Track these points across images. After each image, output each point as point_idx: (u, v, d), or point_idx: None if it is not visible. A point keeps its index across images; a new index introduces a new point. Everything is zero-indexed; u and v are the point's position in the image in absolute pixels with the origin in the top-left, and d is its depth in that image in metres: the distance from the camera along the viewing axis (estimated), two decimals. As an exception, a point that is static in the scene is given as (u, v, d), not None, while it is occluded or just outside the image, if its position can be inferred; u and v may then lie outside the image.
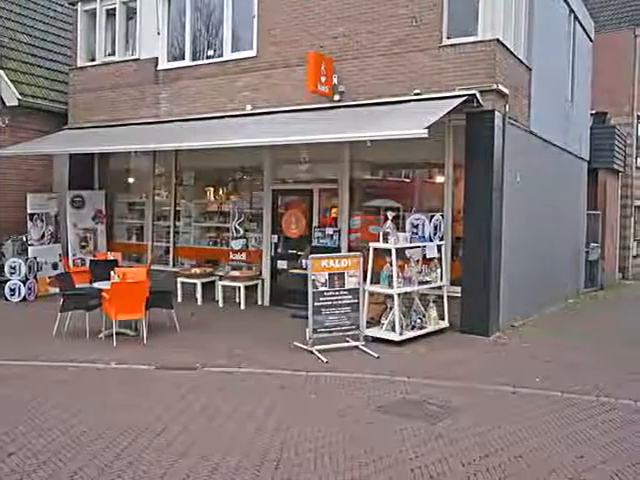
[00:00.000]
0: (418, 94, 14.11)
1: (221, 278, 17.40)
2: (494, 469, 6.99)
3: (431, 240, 13.91)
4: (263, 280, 17.38)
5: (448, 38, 14.19)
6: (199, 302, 17.33)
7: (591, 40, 22.56)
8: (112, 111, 19.18)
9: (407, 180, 16.16)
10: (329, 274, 12.42)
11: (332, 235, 16.05)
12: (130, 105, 18.84)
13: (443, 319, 14.23)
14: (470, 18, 14.13)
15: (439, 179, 15.20)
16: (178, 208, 19.39)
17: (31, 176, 19.95)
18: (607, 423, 8.69)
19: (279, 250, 17.28)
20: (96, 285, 13.89)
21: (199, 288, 17.41)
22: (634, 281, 28.67)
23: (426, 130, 11.53)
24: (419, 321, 13.69)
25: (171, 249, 19.32)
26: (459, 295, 14.19)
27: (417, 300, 13.92)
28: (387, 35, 14.72)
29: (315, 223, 16.65)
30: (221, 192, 18.81)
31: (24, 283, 17.56)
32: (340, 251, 15.41)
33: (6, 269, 17.54)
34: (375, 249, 13.33)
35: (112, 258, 17.55)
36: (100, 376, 10.60)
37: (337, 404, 9.18)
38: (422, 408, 9.16)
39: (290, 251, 17.06)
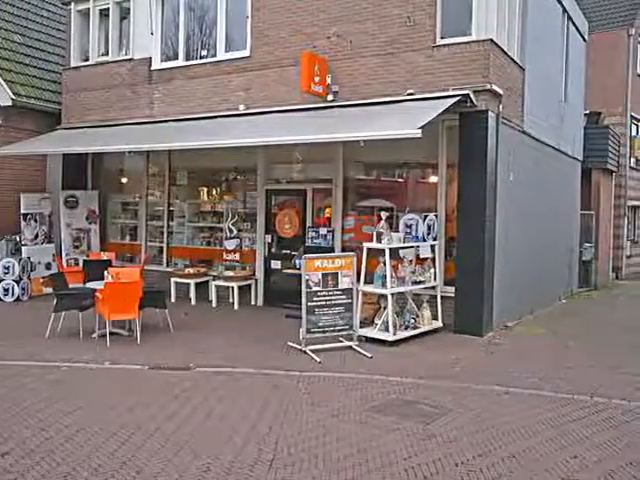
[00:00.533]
0: (411, 94, 14.12)
1: (215, 278, 17.40)
2: (487, 469, 7.00)
3: (425, 240, 13.92)
4: (257, 280, 17.37)
5: (442, 38, 14.19)
6: (193, 302, 17.33)
7: (584, 40, 22.61)
8: (105, 111, 19.16)
9: (401, 180, 16.17)
10: (323, 274, 12.43)
11: (326, 235, 16.06)
12: (124, 105, 18.83)
13: (436, 319, 14.24)
14: (464, 18, 14.14)
15: (433, 179, 15.22)
16: (171, 208, 19.37)
17: (24, 176, 19.91)
18: (601, 423, 8.70)
19: (273, 250, 17.29)
20: (89, 285, 13.90)
21: (192, 288, 17.41)
22: (627, 281, 28.73)
23: (419, 130, 11.55)
24: (412, 321, 13.71)
25: (164, 249, 19.30)
26: (453, 295, 14.19)
27: (410, 300, 13.93)
28: (381, 35, 14.73)
29: (309, 223, 16.66)
30: (215, 192, 18.80)
31: (17, 283, 17.54)
32: (334, 251, 15.41)
33: (-1, 269, 17.53)
34: (369, 249, 13.33)
35: (105, 258, 17.55)
36: (93, 376, 10.59)
37: (330, 404, 9.18)
38: (415, 408, 9.16)
39: (284, 251, 17.07)
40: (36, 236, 18.95)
